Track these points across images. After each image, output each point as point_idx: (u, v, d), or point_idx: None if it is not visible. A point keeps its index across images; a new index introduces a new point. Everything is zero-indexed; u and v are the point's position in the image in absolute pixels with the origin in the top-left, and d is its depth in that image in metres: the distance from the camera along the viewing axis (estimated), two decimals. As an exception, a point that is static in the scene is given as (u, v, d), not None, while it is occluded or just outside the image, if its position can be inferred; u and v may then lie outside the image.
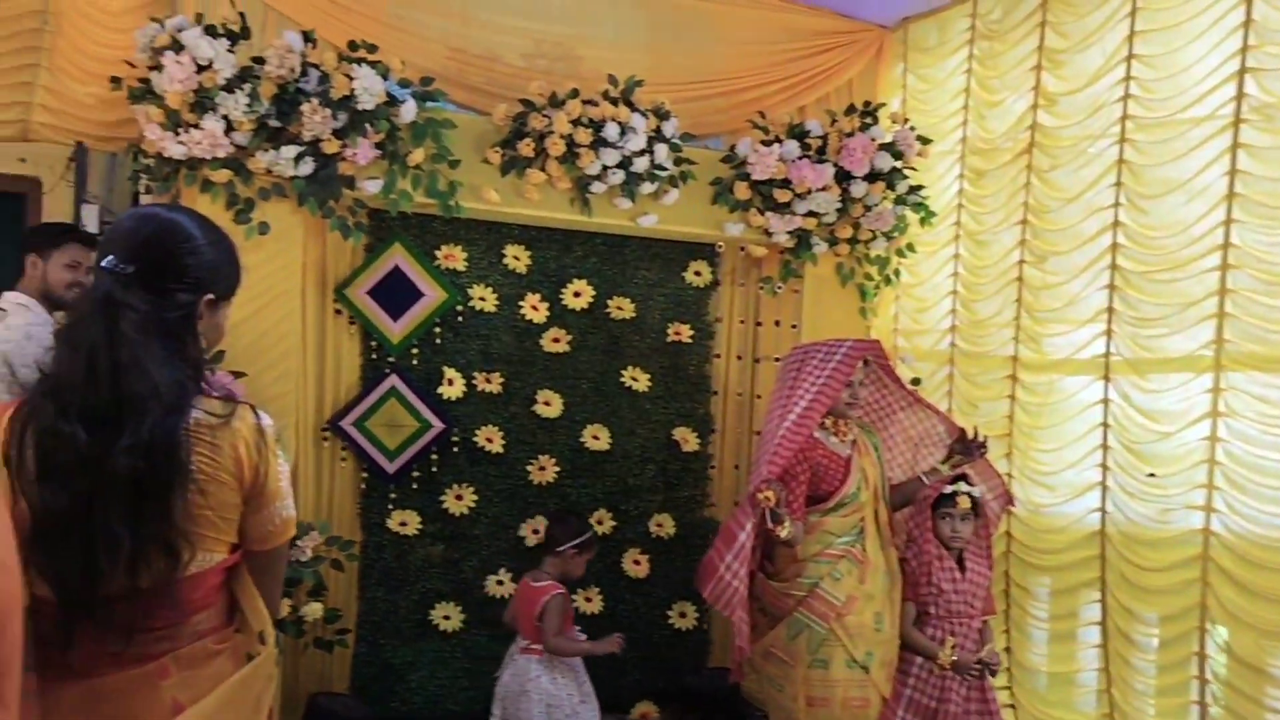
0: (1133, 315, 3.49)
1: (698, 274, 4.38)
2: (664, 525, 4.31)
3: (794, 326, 4.38)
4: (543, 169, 3.84)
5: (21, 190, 4.69)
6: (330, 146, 3.49)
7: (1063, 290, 3.75)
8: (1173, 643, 3.37)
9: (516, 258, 4.08)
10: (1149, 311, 3.43)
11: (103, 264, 1.56)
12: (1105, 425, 3.56)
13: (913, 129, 4.24)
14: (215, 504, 1.58)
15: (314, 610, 3.54)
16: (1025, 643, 3.87)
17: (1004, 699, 3.76)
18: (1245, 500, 3.13)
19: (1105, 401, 3.57)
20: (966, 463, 3.48)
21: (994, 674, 3.31)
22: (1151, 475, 3.38)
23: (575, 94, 3.83)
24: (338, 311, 3.86)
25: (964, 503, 3.27)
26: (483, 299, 4.03)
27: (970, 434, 3.57)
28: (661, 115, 3.95)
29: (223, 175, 3.48)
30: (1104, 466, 3.56)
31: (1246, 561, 3.13)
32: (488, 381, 4.03)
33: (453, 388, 3.96)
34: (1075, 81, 3.72)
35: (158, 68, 3.36)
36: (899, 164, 4.20)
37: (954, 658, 3.17)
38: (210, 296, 1.64)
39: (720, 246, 4.34)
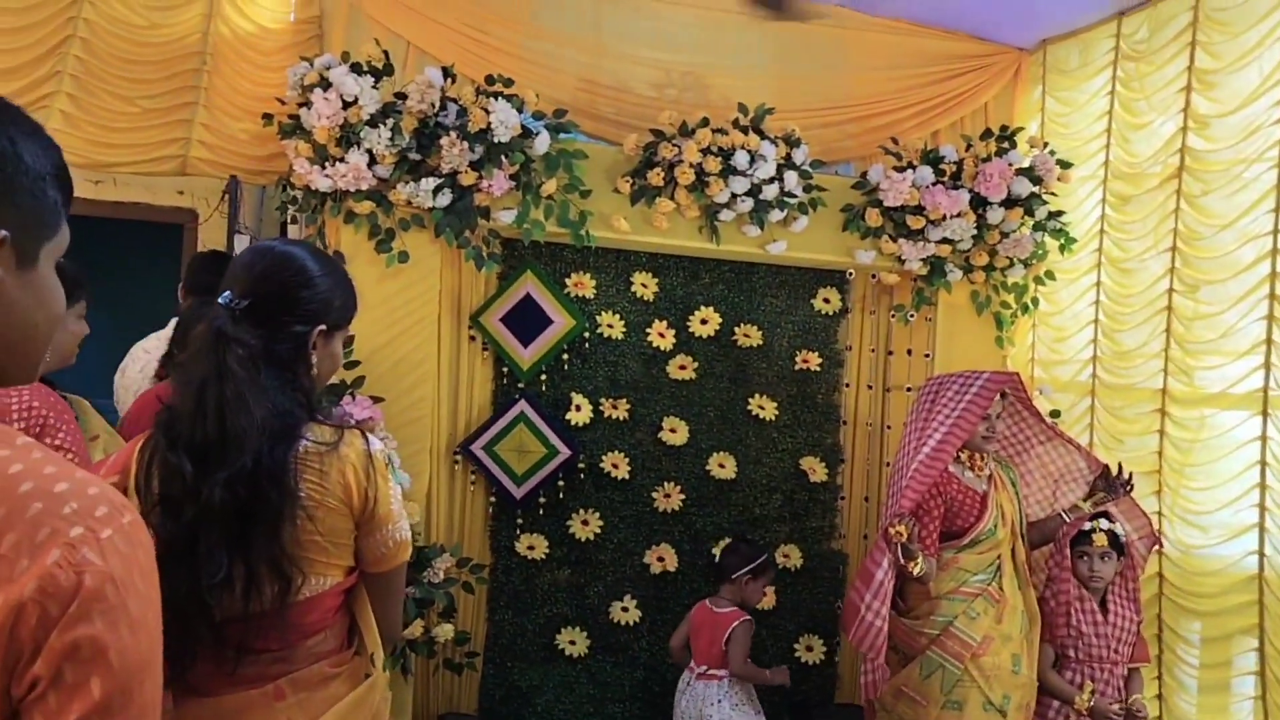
0: (1296, 348, 3.29)
1: (827, 301, 4.32)
2: (791, 556, 4.26)
3: (926, 355, 4.29)
4: (672, 198, 3.87)
5: (180, 221, 5.00)
6: (467, 178, 3.60)
7: (1217, 321, 3.55)
8: (1343, 699, 3.15)
9: (644, 285, 4.12)
10: (1315, 345, 3.23)
11: (220, 299, 1.63)
12: (1264, 463, 3.35)
13: (1052, 153, 4.11)
14: (325, 529, 1.62)
15: (445, 631, 3.62)
16: (1178, 691, 3.66)
17: (1155, 751, 3.58)
18: None
19: (1264, 439, 3.37)
20: (1110, 500, 3.34)
21: None
22: (1318, 519, 3.18)
23: (705, 123, 3.85)
24: (471, 338, 3.96)
25: (1101, 540, 3.14)
26: (610, 326, 4.07)
27: (1115, 470, 3.42)
28: (791, 142, 3.93)
29: (365, 207, 3.62)
30: (1262, 507, 3.35)
31: None
32: (614, 408, 4.07)
33: (580, 414, 4.01)
34: (1229, 103, 3.54)
35: (307, 104, 3.53)
36: (1037, 189, 4.08)
37: (1090, 703, 3.04)
38: (323, 327, 1.69)
39: (851, 273, 4.29)
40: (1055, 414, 4.09)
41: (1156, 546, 3.53)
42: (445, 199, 3.62)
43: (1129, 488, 3.39)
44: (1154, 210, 3.81)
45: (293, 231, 4.00)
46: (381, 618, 1.75)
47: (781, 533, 4.29)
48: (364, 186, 3.59)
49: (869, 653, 3.13)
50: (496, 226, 3.76)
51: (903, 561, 3.12)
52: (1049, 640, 3.22)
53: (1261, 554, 3.36)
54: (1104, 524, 3.22)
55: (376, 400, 3.59)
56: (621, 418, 4.08)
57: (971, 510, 3.27)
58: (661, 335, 4.14)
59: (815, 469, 4.32)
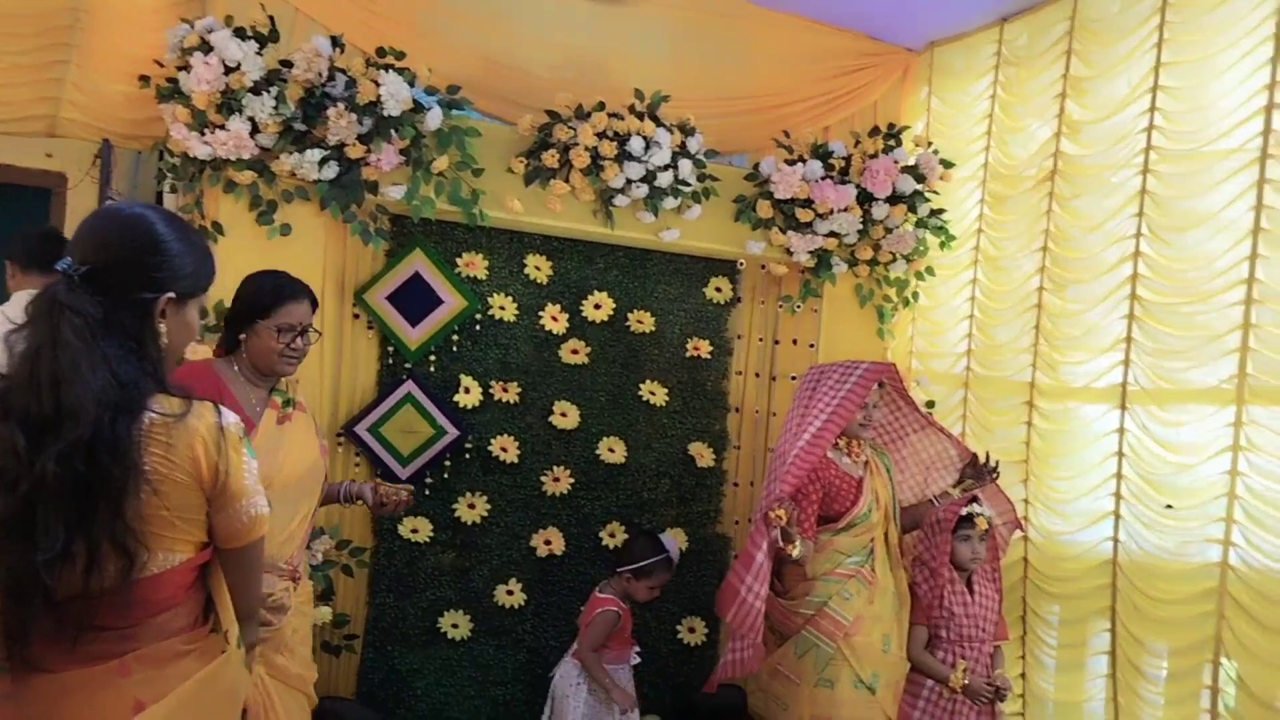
0: (1153, 346, 3.46)
1: (719, 290, 4.37)
2: (677, 540, 4.29)
3: (812, 345, 4.38)
4: (566, 180, 3.85)
5: (47, 185, 4.74)
6: (355, 151, 3.51)
7: (1082, 318, 3.72)
8: (1183, 675, 3.34)
9: (538, 268, 4.09)
10: (1170, 343, 3.41)
11: (57, 265, 1.56)
12: (1121, 454, 3.53)
13: (936, 152, 4.24)
14: (172, 504, 1.57)
15: (323, 614, 3.54)
16: (1038, 670, 3.84)
17: (1016, 725, 3.74)
18: (1265, 536, 3.10)
19: (1121, 431, 3.54)
20: (978, 487, 3.47)
21: (1004, 699, 3.30)
22: (1169, 507, 3.35)
23: (601, 107, 3.84)
24: (356, 316, 3.87)
25: (982, 524, 3.28)
26: (502, 308, 4.03)
27: (982, 458, 3.56)
28: (686, 131, 3.95)
29: (246, 176, 3.50)
30: (1118, 495, 3.54)
31: (1263, 597, 3.09)
32: (505, 391, 4.03)
33: (469, 396, 3.97)
34: (1100, 110, 3.70)
35: (186, 68, 3.38)
36: (921, 187, 4.19)
37: (965, 681, 3.16)
38: (172, 295, 1.62)
39: (742, 263, 4.34)
40: (930, 404, 4.24)
41: (1020, 532, 3.69)
42: (331, 171, 3.53)
43: (995, 475, 3.53)
44: (1028, 211, 3.97)
45: (169, 200, 3.83)
46: (237, 594, 1.70)
47: (669, 517, 4.32)
48: (245, 155, 3.46)
49: (748, 633, 3.18)
50: (385, 202, 3.68)
51: (781, 544, 3.17)
52: (922, 621, 3.33)
53: (1116, 540, 3.54)
54: (978, 508, 3.35)
55: (256, 377, 3.47)
56: (512, 401, 4.05)
57: (848, 495, 3.36)
58: (554, 319, 4.12)
59: (703, 454, 4.37)
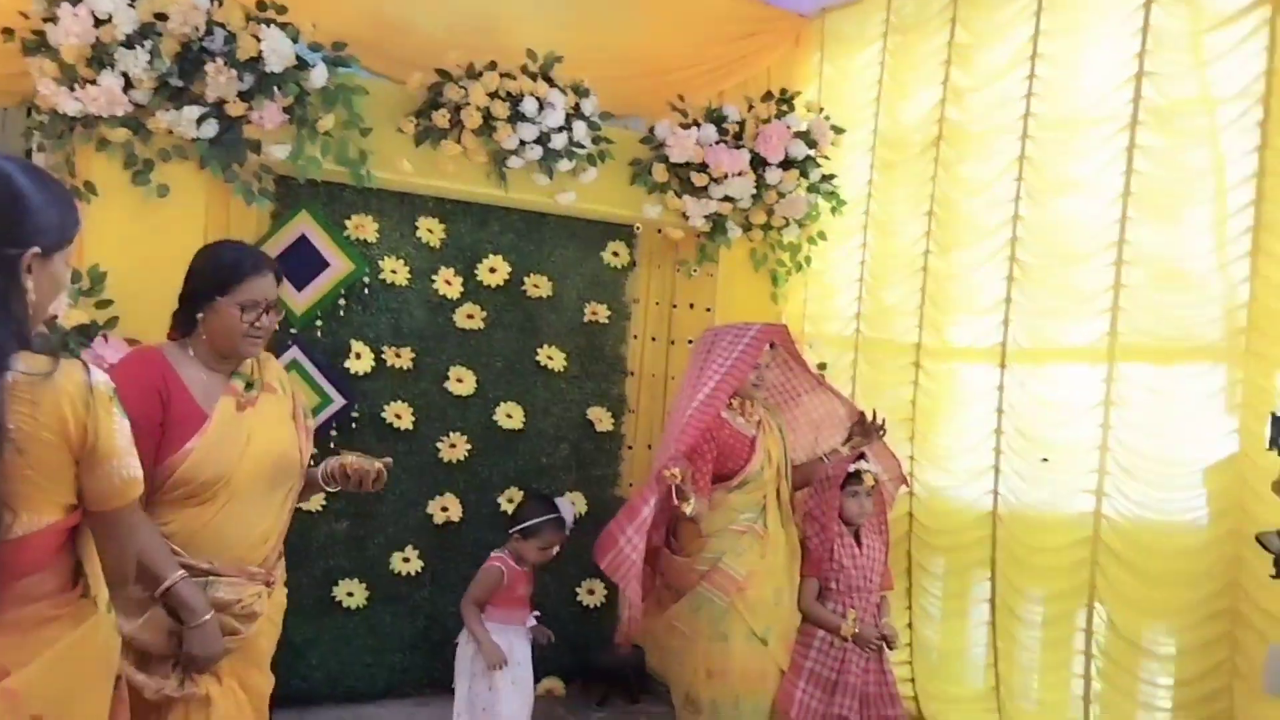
0: (1031, 306, 3.59)
1: (615, 254, 4.38)
2: (576, 504, 4.31)
3: (708, 309, 4.42)
4: (458, 141, 3.79)
5: (-95, 144, 4.45)
6: (235, 109, 3.38)
7: (965, 280, 3.84)
8: (1058, 620, 3.50)
9: (430, 231, 4.03)
10: (1046, 303, 3.53)
11: None
12: (1000, 411, 3.66)
13: (827, 118, 4.30)
14: (37, 464, 1.51)
15: (211, 584, 3.44)
16: (924, 620, 3.98)
17: (903, 674, 3.86)
18: (1134, 485, 3.25)
19: (1001, 388, 3.67)
20: (865, 444, 3.56)
21: (893, 648, 3.40)
22: (1045, 461, 3.49)
23: (493, 66, 3.78)
24: (242, 280, 3.75)
25: (869, 480, 3.36)
26: (394, 272, 3.97)
27: (870, 417, 3.65)
28: (580, 92, 3.92)
29: (120, 134, 3.34)
30: (998, 451, 3.67)
31: (1132, 543, 3.25)
32: (398, 356, 3.97)
33: (360, 362, 3.90)
34: (982, 77, 3.80)
35: (53, 19, 3.21)
36: (813, 152, 4.25)
37: (856, 629, 3.25)
38: (37, 250, 1.55)
39: (638, 228, 4.35)
40: (823, 367, 4.31)
41: (905, 488, 3.80)
42: (211, 130, 3.39)
43: (882, 433, 3.62)
44: (915, 176, 4.06)
45: (38, 159, 3.64)
46: (109, 558, 1.64)
47: (567, 481, 4.34)
48: (119, 112, 3.31)
49: (620, 581, 3.23)
50: (268, 162, 3.56)
51: (676, 502, 3.21)
52: (813, 574, 3.40)
53: (996, 493, 3.68)
54: (866, 465, 3.43)
55: (132, 343, 3.34)
56: (405, 367, 3.99)
57: (741, 453, 3.41)
58: (448, 283, 4.07)
59: (601, 419, 4.39)
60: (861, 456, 3.47)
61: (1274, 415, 2.44)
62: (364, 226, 3.91)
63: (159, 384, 2.20)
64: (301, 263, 3.75)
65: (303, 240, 3.76)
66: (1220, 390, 3.06)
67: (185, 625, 2.15)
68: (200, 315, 2.30)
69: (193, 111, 3.34)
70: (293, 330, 3.80)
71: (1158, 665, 3.23)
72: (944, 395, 3.94)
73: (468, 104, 3.72)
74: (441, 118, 3.74)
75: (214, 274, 2.33)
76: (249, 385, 2.36)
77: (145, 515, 2.00)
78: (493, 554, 3.49)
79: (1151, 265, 3.23)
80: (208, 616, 2.17)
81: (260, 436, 2.32)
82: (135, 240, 3.38)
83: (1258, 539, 2.38)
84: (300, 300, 3.78)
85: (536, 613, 3.59)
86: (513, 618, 3.46)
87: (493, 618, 3.42)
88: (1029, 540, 3.56)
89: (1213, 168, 3.09)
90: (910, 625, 4.02)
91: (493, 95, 3.75)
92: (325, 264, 3.79)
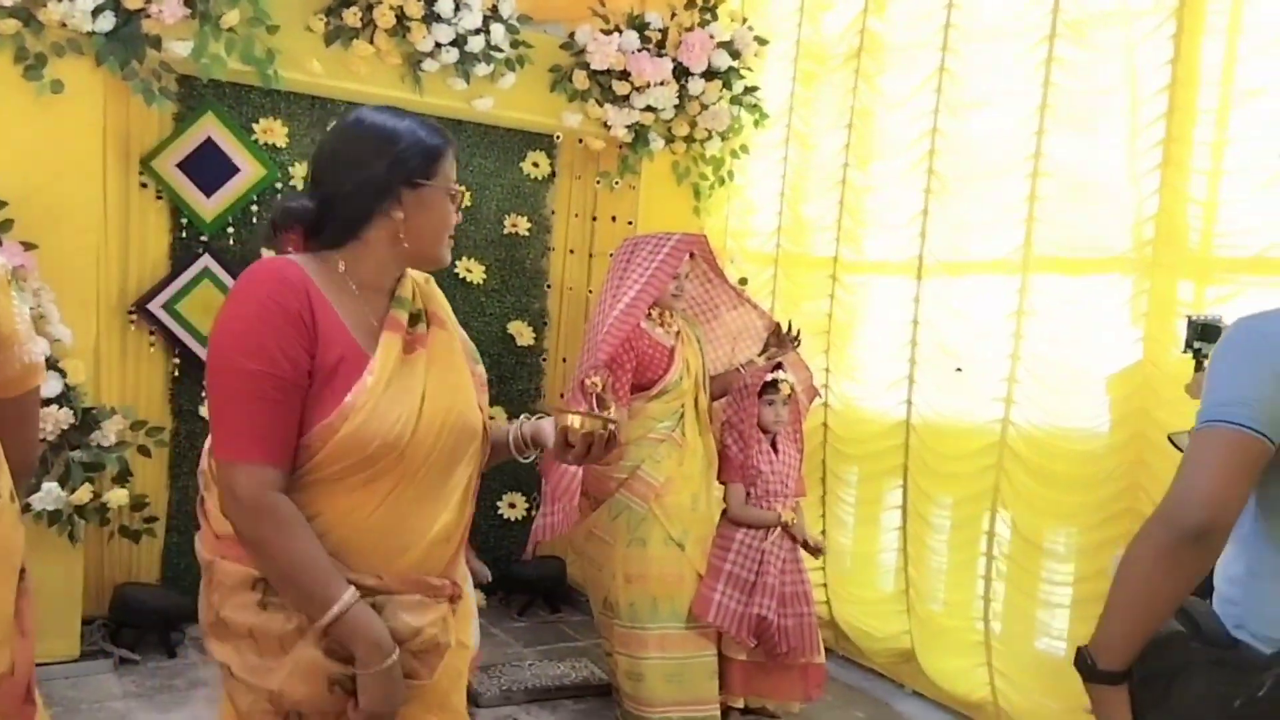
0: (947, 219, 3.60)
1: (536, 165, 4.30)
2: (496, 419, 4.23)
3: (630, 223, 4.36)
4: (371, 41, 3.63)
5: None
6: (133, 1, 3.20)
7: (883, 194, 3.84)
8: (964, 524, 3.59)
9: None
10: (963, 215, 3.55)
11: None
12: (916, 323, 3.70)
13: (750, 29, 4.23)
14: None
15: (118, 497, 3.35)
16: (838, 527, 4.07)
17: (816, 579, 3.95)
18: (1042, 393, 3.32)
19: (917, 301, 3.70)
20: (781, 355, 3.59)
21: (818, 555, 3.47)
22: (959, 370, 3.56)
23: (407, -36, 3.62)
24: (143, 185, 3.58)
25: (785, 389, 3.39)
26: (306, 179, 3.82)
27: (785, 328, 3.68)
28: (498, -6, 3.79)
29: (9, 26, 3.13)
30: (912, 361, 3.72)
31: (1038, 449, 3.32)
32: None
33: (273, 271, 3.77)
34: (904, -13, 3.78)
35: (-74, -105, 2.97)
36: (736, 63, 4.19)
37: (794, 519, 3.32)
38: None
39: (558, 137, 4.26)
40: (744, 281, 4.31)
41: (820, 399, 3.85)
42: (107, 23, 3.20)
43: (797, 343, 3.65)
44: (836, 88, 4.03)
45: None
46: (13, 446, 1.56)
47: (488, 396, 4.29)
48: (7, 2, 3.10)
49: (562, 495, 3.22)
50: (169, 59, 3.38)
51: (597, 411, 3.21)
52: (737, 480, 3.44)
53: (910, 403, 3.74)
54: (782, 375, 3.47)
55: (29, 247, 3.18)
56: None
57: (660, 363, 3.40)
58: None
59: (522, 333, 4.34)
60: (779, 366, 3.50)
61: (1190, 319, 2.49)
62: (273, 130, 3.75)
63: (307, 315, 1.46)
64: (209, 167, 3.59)
65: (209, 144, 3.59)
66: (1127, 300, 3.12)
67: (361, 670, 1.44)
68: (377, 213, 1.53)
69: (87, 3, 3.14)
70: (203, 238, 3.65)
71: (1057, 565, 3.35)
72: (860, 308, 3.97)
73: (380, 2, 3.56)
74: (353, 16, 3.57)
75: (412, 150, 1.54)
76: (415, 318, 1.61)
77: (293, 505, 1.43)
78: None
79: (1065, 178, 3.25)
80: (394, 656, 1.46)
81: (437, 390, 1.57)
82: (29, 141, 3.20)
83: (1170, 439, 2.45)
84: (210, 206, 3.62)
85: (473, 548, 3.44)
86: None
87: None
88: (940, 448, 3.63)
89: (1126, 81, 3.11)
90: (824, 532, 4.10)
91: (407, -6, 3.60)
92: (235, 169, 3.63)
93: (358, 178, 1.52)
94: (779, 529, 3.33)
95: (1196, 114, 2.94)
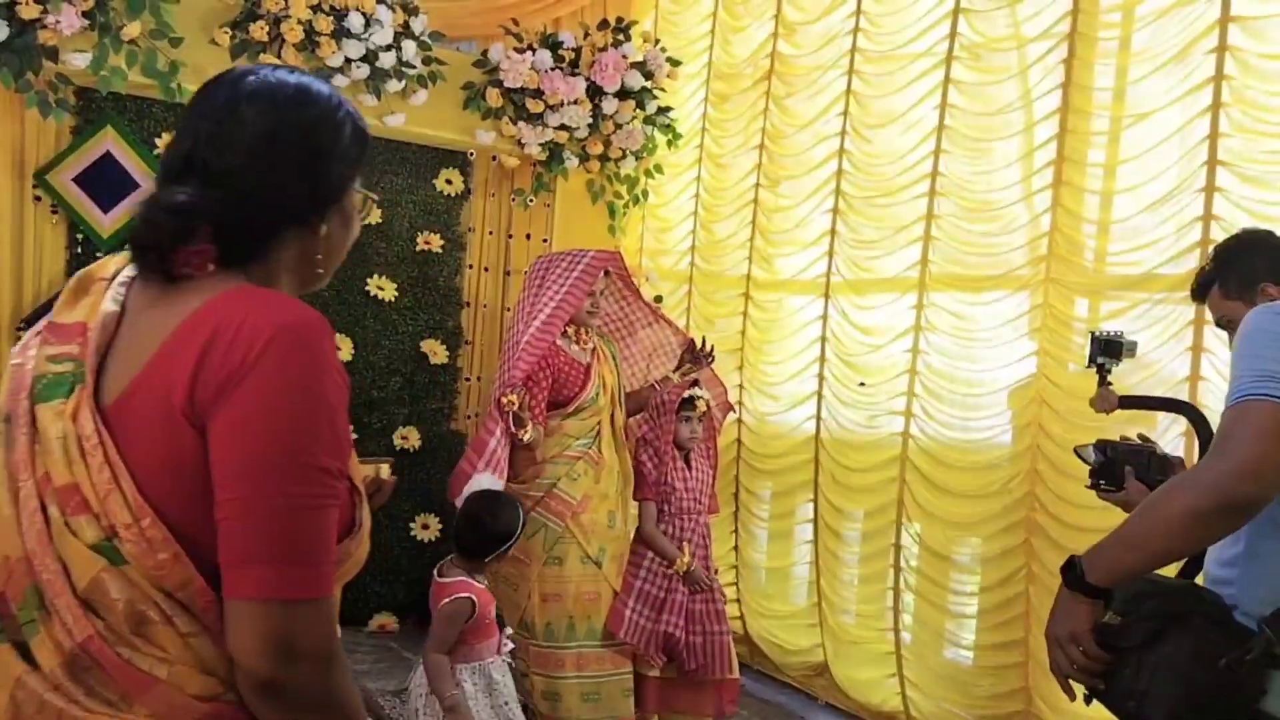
0: (853, 238, 3.70)
1: (449, 182, 4.27)
2: (409, 438, 4.23)
3: (545, 240, 4.38)
4: (278, 56, 3.58)
5: None
6: (28, 11, 3.09)
7: (792, 214, 3.93)
8: (873, 536, 3.67)
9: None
10: (867, 234, 3.66)
11: None
12: (824, 339, 3.79)
13: (663, 50, 4.29)
14: None
15: None
16: (750, 542, 4.11)
17: (730, 595, 3.99)
18: (940, 407, 3.42)
19: (825, 318, 3.79)
20: (695, 371, 3.62)
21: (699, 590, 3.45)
22: (862, 385, 3.64)
23: (316, -22, 3.58)
24: (38, 199, 3.46)
25: (701, 406, 3.41)
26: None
27: (699, 344, 3.71)
28: (410, 10, 3.77)
29: (-108, 33, 3.01)
30: (820, 377, 3.80)
31: (938, 462, 3.43)
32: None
33: (176, 288, 3.67)
34: (812, 12, 3.87)
35: None
36: (649, 84, 4.24)
37: (690, 566, 3.31)
38: None
39: (472, 154, 4.25)
40: (659, 299, 4.36)
41: (733, 414, 3.90)
42: (1, 33, 3.09)
43: (710, 359, 3.69)
44: (746, 110, 4.12)
45: None
46: None
47: (400, 415, 4.24)
48: (-109, 9, 2.98)
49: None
50: (67, 71, 3.28)
51: (513, 430, 3.19)
52: (651, 498, 3.44)
53: (819, 418, 3.81)
54: (698, 391, 3.49)
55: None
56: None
57: (576, 380, 3.40)
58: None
59: (436, 351, 4.30)
60: (696, 383, 3.52)
61: (1093, 335, 2.46)
62: (176, 144, 3.65)
63: None
64: (108, 182, 3.48)
65: (108, 158, 3.48)
66: (1022, 315, 3.24)
67: None
68: (297, 224, 1.16)
69: (-24, 10, 3.03)
70: (99, 254, 3.53)
71: (963, 575, 3.44)
72: (771, 326, 4.05)
73: (288, 16, 3.51)
74: (260, 30, 3.51)
75: (354, 136, 1.20)
76: None
77: None
78: (445, 581, 2.75)
79: (961, 197, 3.37)
80: None
81: None
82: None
83: (1076, 451, 2.44)
84: (107, 222, 3.51)
85: (509, 630, 2.96)
86: (489, 648, 2.78)
87: (467, 658, 2.72)
88: (847, 461, 3.71)
89: (1020, 102, 3.25)
90: (736, 548, 4.15)
91: (315, 8, 3.55)
92: (135, 184, 3.52)
93: (299, 172, 1.13)
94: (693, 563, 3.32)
95: (1090, 135, 3.08)
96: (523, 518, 2.92)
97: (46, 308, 3.25)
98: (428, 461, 4.27)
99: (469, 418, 4.40)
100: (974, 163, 3.35)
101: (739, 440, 4.09)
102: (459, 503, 3.19)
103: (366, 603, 4.12)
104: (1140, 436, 2.19)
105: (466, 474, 3.19)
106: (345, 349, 4.05)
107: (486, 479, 3.04)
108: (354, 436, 1.18)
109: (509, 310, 4.36)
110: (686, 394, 3.44)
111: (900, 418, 3.50)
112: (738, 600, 4.09)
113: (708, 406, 3.47)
